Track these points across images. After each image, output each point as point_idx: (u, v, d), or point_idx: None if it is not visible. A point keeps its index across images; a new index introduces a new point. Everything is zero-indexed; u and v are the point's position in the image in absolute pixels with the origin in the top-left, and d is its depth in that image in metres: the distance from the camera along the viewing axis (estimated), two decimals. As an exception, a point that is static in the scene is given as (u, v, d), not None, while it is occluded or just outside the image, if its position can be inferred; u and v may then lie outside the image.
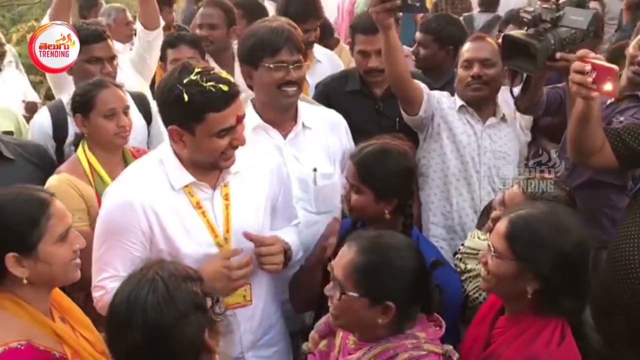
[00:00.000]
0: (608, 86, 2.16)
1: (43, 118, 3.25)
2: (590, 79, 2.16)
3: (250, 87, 2.84)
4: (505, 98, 3.26)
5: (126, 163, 2.87)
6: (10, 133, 3.31)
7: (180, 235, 2.23)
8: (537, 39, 2.54)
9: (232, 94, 2.14)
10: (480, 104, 3.12)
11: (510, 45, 2.61)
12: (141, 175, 2.28)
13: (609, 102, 3.10)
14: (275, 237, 2.36)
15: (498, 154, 3.10)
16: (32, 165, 2.92)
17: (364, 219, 2.54)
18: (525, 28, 2.63)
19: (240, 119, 2.18)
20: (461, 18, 5.40)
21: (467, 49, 3.14)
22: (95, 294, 2.26)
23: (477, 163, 3.09)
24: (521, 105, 3.12)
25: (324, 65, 4.11)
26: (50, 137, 3.20)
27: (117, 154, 2.92)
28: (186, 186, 2.25)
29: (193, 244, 2.24)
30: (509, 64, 2.74)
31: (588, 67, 2.16)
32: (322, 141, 2.87)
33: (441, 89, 3.33)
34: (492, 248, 1.99)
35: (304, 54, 2.84)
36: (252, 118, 2.76)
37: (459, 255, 2.68)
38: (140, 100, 3.41)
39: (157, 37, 3.87)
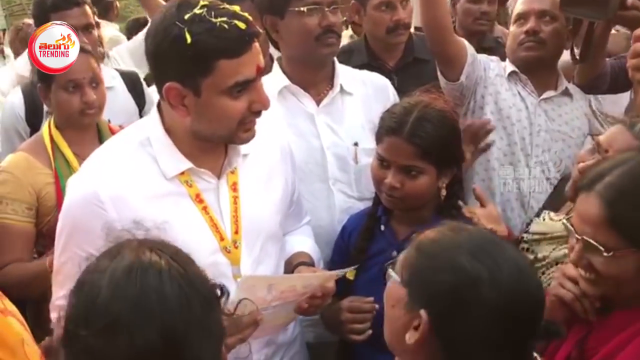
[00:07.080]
0: None
1: (15, 99, 2.91)
2: None
3: (275, 45, 2.37)
4: None
5: (102, 142, 2.38)
6: None
7: (175, 238, 1.57)
8: None
9: (251, 34, 1.60)
10: (536, 71, 2.49)
11: None
12: (116, 160, 1.71)
13: None
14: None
15: (556, 135, 2.47)
16: None
17: (415, 206, 2.01)
18: None
19: (260, 70, 1.65)
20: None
21: (520, 1, 2.52)
22: (52, 315, 1.74)
23: (527, 145, 2.46)
24: (579, 77, 2.49)
25: None
26: (22, 120, 2.86)
27: (89, 132, 2.46)
28: (182, 173, 1.71)
29: (192, 249, 1.58)
30: (569, 11, 2.26)
31: None
32: (365, 110, 2.33)
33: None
34: (599, 246, 1.49)
35: None
36: (278, 79, 2.30)
37: (523, 245, 2.14)
38: (131, 80, 3.05)
39: None
